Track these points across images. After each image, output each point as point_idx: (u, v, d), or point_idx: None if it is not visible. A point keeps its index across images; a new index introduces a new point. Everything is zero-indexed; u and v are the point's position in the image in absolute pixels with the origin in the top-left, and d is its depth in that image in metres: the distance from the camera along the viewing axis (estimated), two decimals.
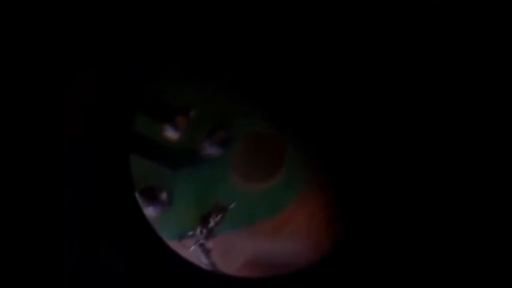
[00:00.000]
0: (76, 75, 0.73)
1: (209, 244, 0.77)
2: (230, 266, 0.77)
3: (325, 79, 0.78)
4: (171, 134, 0.77)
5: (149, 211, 0.76)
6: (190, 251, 0.77)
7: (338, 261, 0.74)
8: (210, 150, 0.78)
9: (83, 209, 0.72)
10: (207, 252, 0.78)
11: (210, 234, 0.77)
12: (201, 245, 0.77)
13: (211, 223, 0.77)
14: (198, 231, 0.77)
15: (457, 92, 0.74)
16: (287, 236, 0.77)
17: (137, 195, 0.76)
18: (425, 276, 0.72)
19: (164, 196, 0.77)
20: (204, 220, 0.77)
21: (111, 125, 0.74)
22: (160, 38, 0.75)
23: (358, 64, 0.76)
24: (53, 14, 0.71)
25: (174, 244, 0.77)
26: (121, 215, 0.74)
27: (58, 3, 0.71)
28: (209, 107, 0.79)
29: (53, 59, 0.71)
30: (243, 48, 0.77)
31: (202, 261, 0.77)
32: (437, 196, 0.74)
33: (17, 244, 0.68)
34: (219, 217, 0.77)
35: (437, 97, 0.75)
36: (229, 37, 0.76)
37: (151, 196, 0.77)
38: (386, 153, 0.76)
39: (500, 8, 0.72)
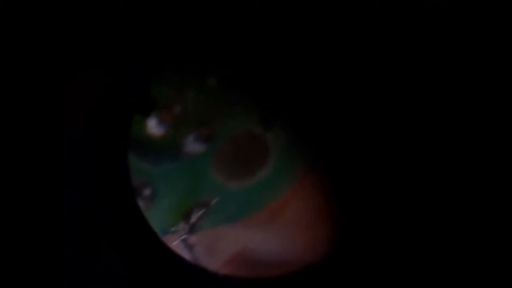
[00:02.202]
0: (76, 75, 0.73)
1: (192, 239, 0.78)
2: (214, 262, 0.78)
3: (315, 73, 0.79)
4: (154, 130, 0.78)
5: None
6: (173, 246, 0.78)
7: (333, 262, 0.75)
8: (193, 146, 0.79)
9: (83, 209, 0.72)
10: (190, 247, 0.78)
11: (192, 229, 0.78)
12: (184, 241, 0.78)
13: (193, 218, 0.78)
14: (180, 226, 0.78)
15: (456, 92, 0.75)
16: (272, 234, 0.78)
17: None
18: (425, 275, 0.73)
19: (147, 192, 0.78)
20: (186, 216, 0.78)
21: (111, 125, 0.75)
22: (160, 38, 0.76)
23: (349, 58, 0.77)
24: (53, 14, 0.71)
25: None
26: (121, 216, 0.74)
27: (58, 3, 0.71)
28: (193, 104, 0.80)
29: (53, 59, 0.71)
30: (231, 47, 0.78)
31: (185, 256, 0.78)
32: (436, 189, 0.74)
33: (16, 244, 0.68)
34: (201, 212, 0.78)
35: (432, 93, 0.76)
36: (219, 37, 0.78)
37: (135, 192, 0.77)
38: (383, 151, 0.77)
39: (500, 8, 0.72)
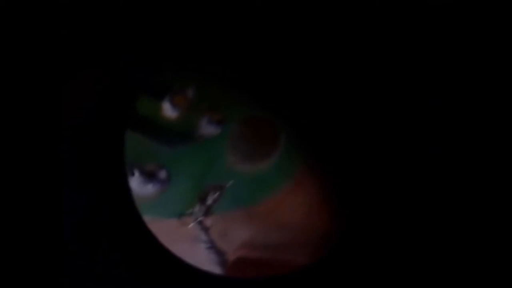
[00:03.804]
0: (76, 75, 0.74)
1: (208, 222, 0.79)
2: (227, 246, 0.79)
3: (320, 68, 0.78)
4: (169, 113, 0.79)
5: (148, 189, 0.78)
6: (189, 228, 0.79)
7: (337, 257, 0.75)
8: (207, 129, 0.79)
9: (82, 210, 0.73)
10: (205, 229, 0.79)
11: (208, 212, 0.79)
12: (200, 223, 0.79)
13: (209, 201, 0.78)
14: (196, 208, 0.79)
15: (455, 91, 0.74)
16: (283, 218, 0.78)
17: (136, 174, 0.77)
18: (424, 274, 0.72)
19: (163, 174, 0.79)
20: (202, 198, 0.79)
21: (110, 125, 0.76)
22: (159, 37, 0.76)
23: (352, 54, 0.77)
24: (53, 14, 0.72)
25: (173, 224, 0.78)
26: (120, 217, 0.75)
27: (58, 3, 0.72)
28: (206, 88, 0.80)
29: (53, 59, 0.72)
30: (239, 39, 0.78)
31: (201, 238, 0.79)
32: (434, 188, 0.74)
33: (17, 244, 0.69)
34: (216, 194, 0.78)
35: (430, 92, 0.75)
36: (226, 29, 0.77)
37: (150, 174, 0.78)
38: (384, 145, 0.76)
39: (500, 8, 0.71)
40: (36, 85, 0.71)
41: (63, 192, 0.71)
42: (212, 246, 0.79)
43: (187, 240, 0.78)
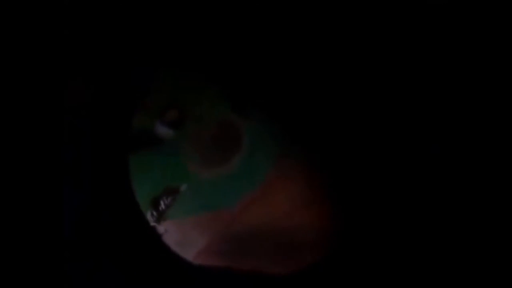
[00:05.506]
0: (77, 75, 0.73)
1: (161, 228, 0.75)
2: (185, 252, 0.75)
3: (286, 60, 0.77)
4: None
5: None
6: None
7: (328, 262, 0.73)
8: (161, 130, 0.76)
9: (83, 210, 0.72)
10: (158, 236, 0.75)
11: (161, 217, 0.75)
12: None
13: (162, 206, 0.75)
14: (149, 214, 0.75)
15: (453, 91, 0.73)
16: (246, 225, 0.75)
17: None
18: (424, 274, 0.71)
19: None
20: (155, 203, 0.75)
21: (111, 126, 0.74)
22: (158, 38, 0.76)
23: (340, 52, 0.76)
24: (54, 15, 0.71)
25: None
26: (121, 216, 0.74)
27: (58, 4, 0.71)
28: (161, 88, 0.77)
29: (54, 60, 0.71)
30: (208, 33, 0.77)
31: None
32: (433, 188, 0.72)
33: (18, 245, 0.67)
34: (169, 199, 0.75)
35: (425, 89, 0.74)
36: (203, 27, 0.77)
37: None
38: (380, 143, 0.74)
39: (500, 8, 0.71)
40: (37, 85, 0.69)
41: (63, 192, 0.69)
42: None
43: None
